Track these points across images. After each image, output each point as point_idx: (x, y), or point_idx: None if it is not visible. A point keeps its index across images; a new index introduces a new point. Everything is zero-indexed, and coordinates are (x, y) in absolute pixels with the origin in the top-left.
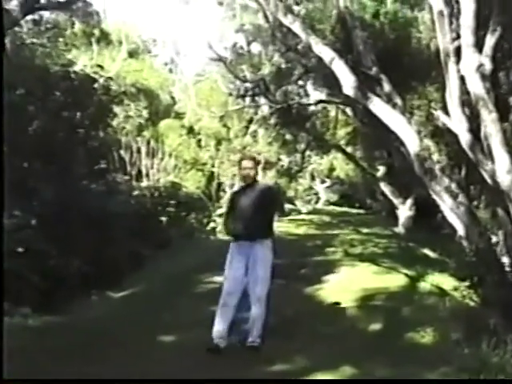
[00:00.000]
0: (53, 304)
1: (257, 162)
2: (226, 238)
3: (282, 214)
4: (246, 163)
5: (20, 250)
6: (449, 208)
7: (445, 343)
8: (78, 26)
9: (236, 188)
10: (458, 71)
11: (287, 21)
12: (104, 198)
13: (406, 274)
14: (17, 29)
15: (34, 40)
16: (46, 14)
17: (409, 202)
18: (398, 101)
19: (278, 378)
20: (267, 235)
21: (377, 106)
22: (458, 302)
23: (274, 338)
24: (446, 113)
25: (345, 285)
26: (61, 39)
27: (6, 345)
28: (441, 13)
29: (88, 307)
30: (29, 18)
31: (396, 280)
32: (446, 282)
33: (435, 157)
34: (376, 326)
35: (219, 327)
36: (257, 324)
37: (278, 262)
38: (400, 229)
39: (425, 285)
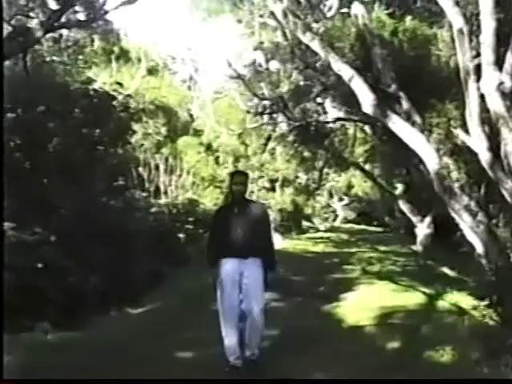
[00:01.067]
0: (72, 320)
1: (248, 178)
2: None
3: (271, 246)
4: (239, 178)
5: (40, 265)
6: (468, 226)
7: (464, 362)
8: (97, 44)
9: (220, 206)
10: (478, 89)
11: (306, 38)
12: (122, 215)
13: (424, 293)
14: (37, 47)
15: (54, 58)
16: (66, 32)
17: (427, 219)
18: (417, 119)
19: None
20: (259, 253)
21: (396, 124)
22: (477, 321)
23: (292, 354)
24: (466, 131)
25: (363, 303)
26: (80, 57)
27: (26, 360)
28: (460, 31)
29: (106, 323)
30: (48, 35)
31: (414, 298)
32: (465, 300)
33: (454, 175)
34: (394, 345)
35: (232, 346)
36: (254, 339)
37: (296, 280)
38: (418, 247)
39: (443, 303)
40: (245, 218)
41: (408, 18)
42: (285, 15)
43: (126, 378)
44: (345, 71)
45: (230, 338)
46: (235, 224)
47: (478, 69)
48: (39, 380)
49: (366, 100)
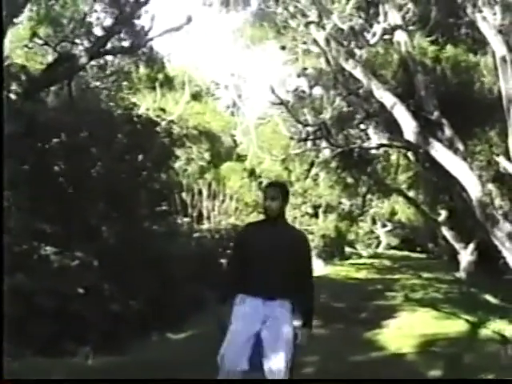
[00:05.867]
0: (113, 344)
1: (285, 192)
2: None
3: (309, 289)
4: (273, 191)
5: (81, 291)
6: (511, 254)
7: None
8: (142, 71)
9: (248, 223)
10: None
11: (349, 66)
12: (165, 240)
13: (467, 320)
14: (82, 73)
15: (99, 84)
16: (111, 59)
17: (471, 246)
18: (460, 146)
19: None
20: (290, 294)
21: (438, 151)
22: None
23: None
24: (508, 158)
25: (405, 330)
26: (125, 83)
27: None
28: (503, 58)
29: (148, 348)
30: (94, 62)
31: (457, 326)
32: (509, 329)
33: (497, 202)
34: (436, 373)
35: None
36: None
37: (337, 306)
38: (462, 274)
39: (486, 331)
40: (278, 244)
41: (449, 46)
42: (327, 42)
43: (125, 379)
44: (387, 98)
45: None
46: (264, 250)
47: None
48: (39, 380)
49: (409, 127)
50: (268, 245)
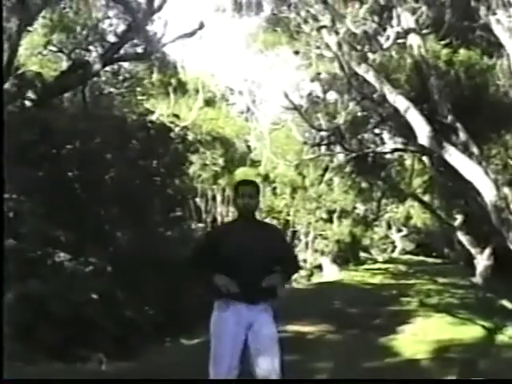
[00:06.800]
0: (126, 350)
1: (259, 190)
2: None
3: (294, 270)
4: (247, 189)
5: (95, 296)
6: None
7: None
8: (155, 76)
9: (220, 225)
10: None
11: (361, 70)
12: (178, 246)
13: (483, 326)
14: (95, 79)
15: (112, 90)
16: (125, 65)
17: (487, 251)
18: (475, 150)
19: None
20: (272, 296)
21: (452, 155)
22: None
23: None
24: None
25: (420, 336)
26: (138, 89)
27: None
28: None
29: (161, 354)
30: (108, 68)
31: (472, 332)
32: None
33: None
34: (451, 379)
35: None
36: None
37: (352, 312)
38: (478, 279)
39: (502, 337)
40: (257, 243)
41: (463, 49)
42: (339, 47)
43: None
44: (400, 103)
45: None
46: (243, 251)
47: None
48: (39, 380)
49: (422, 132)
50: (247, 245)
